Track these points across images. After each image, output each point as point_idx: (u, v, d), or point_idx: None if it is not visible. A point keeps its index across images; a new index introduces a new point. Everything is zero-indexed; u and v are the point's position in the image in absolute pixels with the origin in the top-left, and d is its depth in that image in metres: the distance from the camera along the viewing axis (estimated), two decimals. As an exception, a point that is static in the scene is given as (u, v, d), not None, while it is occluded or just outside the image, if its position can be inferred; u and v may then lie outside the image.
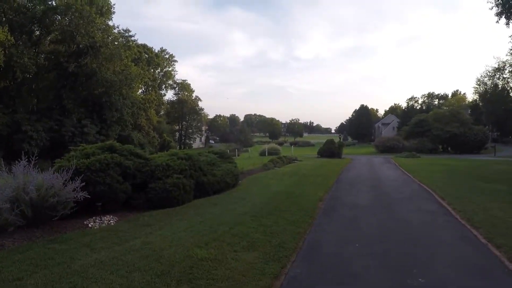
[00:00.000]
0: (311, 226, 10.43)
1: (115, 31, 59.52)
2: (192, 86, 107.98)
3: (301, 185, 18.68)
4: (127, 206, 12.51)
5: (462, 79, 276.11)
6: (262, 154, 57.22)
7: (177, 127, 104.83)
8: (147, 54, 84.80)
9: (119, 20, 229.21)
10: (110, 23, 57.90)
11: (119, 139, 57.39)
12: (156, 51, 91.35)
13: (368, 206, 13.68)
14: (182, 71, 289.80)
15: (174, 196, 13.12)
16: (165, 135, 76.90)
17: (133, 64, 62.38)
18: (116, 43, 56.31)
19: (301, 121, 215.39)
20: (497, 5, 25.58)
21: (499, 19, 25.68)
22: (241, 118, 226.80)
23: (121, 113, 54.26)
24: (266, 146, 65.63)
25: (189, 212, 12.01)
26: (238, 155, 69.27)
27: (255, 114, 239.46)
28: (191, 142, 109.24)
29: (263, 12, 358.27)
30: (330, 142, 49.45)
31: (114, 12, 59.25)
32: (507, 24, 25.48)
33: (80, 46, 49.31)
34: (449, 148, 67.28)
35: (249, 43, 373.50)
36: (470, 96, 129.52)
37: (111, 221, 10.80)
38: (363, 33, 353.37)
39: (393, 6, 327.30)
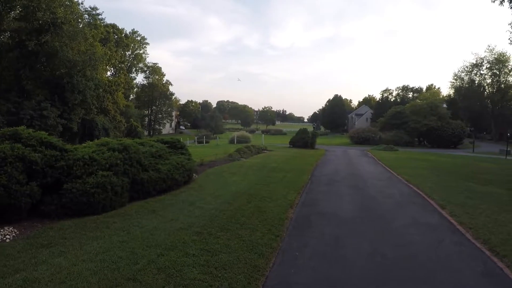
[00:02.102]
0: (277, 255, 7.35)
1: (81, 8, 55.78)
2: (166, 70, 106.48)
3: (268, 183, 15.45)
4: (38, 213, 9.34)
5: (436, 74, 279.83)
6: (232, 142, 54.22)
7: (147, 112, 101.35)
8: (116, 35, 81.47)
9: (93, 0, 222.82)
10: (78, 0, 54.04)
11: (83, 123, 54.94)
12: (128, 32, 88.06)
13: (353, 218, 10.53)
14: (157, 55, 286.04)
15: (98, 201, 9.84)
16: (132, 120, 73.28)
17: (99, 44, 59.56)
18: (80, 20, 52.87)
19: (274, 109, 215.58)
20: None
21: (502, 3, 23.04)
22: (214, 105, 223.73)
23: (84, 96, 50.98)
24: (235, 134, 62.76)
25: (113, 225, 8.86)
26: (207, 142, 66.70)
27: (227, 101, 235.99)
28: (161, 127, 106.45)
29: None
30: (303, 131, 46.53)
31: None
32: None
33: (41, 22, 45.20)
34: (425, 142, 65.45)
35: (225, 29, 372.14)
36: (445, 90, 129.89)
37: (8, 237, 7.85)
38: (341, 23, 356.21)
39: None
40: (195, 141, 70.65)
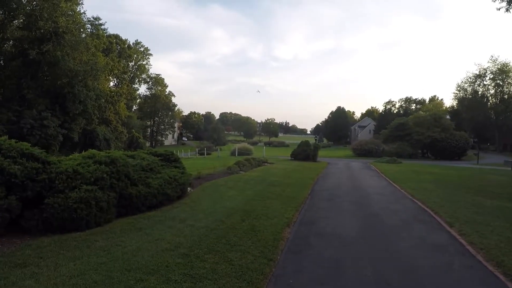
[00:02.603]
0: (268, 282, 6.59)
1: (83, 18, 55.68)
2: (169, 82, 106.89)
3: (266, 199, 14.60)
4: (19, 228, 8.76)
5: (439, 85, 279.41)
6: (233, 154, 53.68)
7: (149, 123, 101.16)
8: (119, 45, 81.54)
9: (96, 11, 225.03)
10: (81, 10, 54.24)
11: (84, 134, 54.58)
12: (131, 43, 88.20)
13: (355, 239, 9.68)
14: (160, 66, 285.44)
15: (81, 216, 9.18)
16: (133, 130, 72.92)
17: (102, 54, 59.42)
18: (82, 30, 52.61)
19: (277, 121, 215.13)
20: None
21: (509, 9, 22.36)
22: (217, 116, 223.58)
23: (85, 106, 50.89)
24: (237, 146, 62.17)
25: (94, 244, 8.15)
26: (208, 154, 66.17)
27: (230, 113, 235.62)
28: (163, 139, 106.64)
29: (244, 10, 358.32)
30: (304, 144, 45.49)
31: (83, -3, 54.97)
32: None
33: (42, 31, 45.35)
34: (428, 154, 64.57)
35: (229, 41, 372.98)
36: (448, 101, 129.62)
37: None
38: (343, 35, 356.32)
39: (374, 10, 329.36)
40: (196, 153, 69.96)
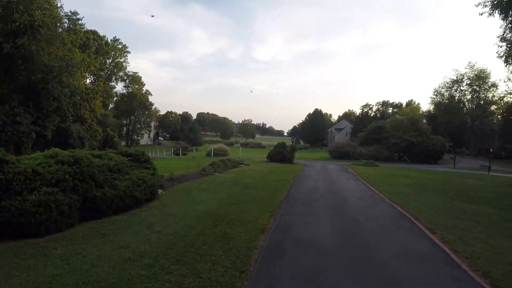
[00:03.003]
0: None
1: (60, 12, 54.19)
2: (147, 80, 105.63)
3: (240, 202, 13.93)
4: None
5: (416, 90, 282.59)
6: (209, 154, 52.94)
7: (125, 121, 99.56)
8: (97, 42, 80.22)
9: (74, 6, 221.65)
10: (58, 3, 52.37)
11: (57, 131, 53.09)
12: (109, 40, 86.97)
13: (334, 247, 9.07)
14: (138, 64, 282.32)
15: (40, 221, 8.52)
16: (108, 129, 71.61)
17: (78, 50, 58.08)
18: (59, 24, 51.22)
19: (254, 122, 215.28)
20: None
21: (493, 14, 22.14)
22: (194, 116, 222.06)
23: (60, 103, 49.27)
24: (214, 146, 61.48)
25: (52, 252, 7.50)
26: (184, 154, 65.21)
27: (208, 113, 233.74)
28: (139, 138, 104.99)
29: (224, 11, 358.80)
30: (281, 145, 44.97)
31: (60, -9, 53.58)
32: (504, 19, 22.04)
33: (18, 24, 43.57)
34: (405, 157, 64.58)
35: (208, 41, 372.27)
36: (425, 106, 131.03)
37: None
38: (322, 38, 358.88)
39: (355, 14, 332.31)
40: (171, 153, 68.93)
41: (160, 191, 15.58)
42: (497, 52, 25.52)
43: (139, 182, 12.79)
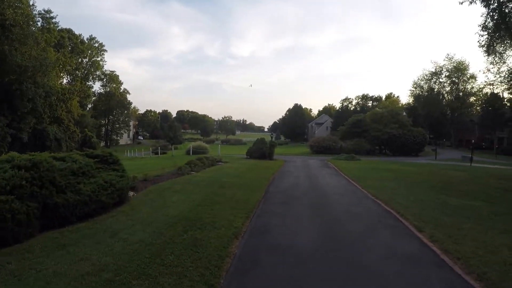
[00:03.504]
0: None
1: (33, 11, 52.97)
2: (126, 79, 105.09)
3: (214, 204, 12.97)
4: None
5: (395, 83, 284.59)
6: (188, 152, 51.90)
7: (104, 121, 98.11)
8: (72, 40, 78.71)
9: (49, 4, 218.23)
10: (30, 1, 51.42)
11: (34, 133, 51.83)
12: (86, 38, 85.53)
13: (315, 251, 8.20)
14: (116, 63, 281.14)
15: (-7, 232, 7.53)
16: (86, 130, 70.24)
17: (53, 49, 56.74)
18: (31, 23, 49.88)
19: (234, 119, 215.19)
20: None
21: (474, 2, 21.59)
22: (174, 114, 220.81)
23: (35, 104, 48.10)
24: (192, 144, 60.58)
25: (5, 267, 6.65)
26: (163, 153, 64.19)
27: (187, 110, 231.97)
28: (118, 138, 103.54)
29: (201, 7, 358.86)
30: (260, 141, 44.05)
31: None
32: (486, 6, 21.48)
33: (-12, 23, 42.35)
34: (386, 150, 64.26)
35: (186, 38, 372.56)
36: (404, 99, 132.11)
37: None
38: (301, 34, 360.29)
39: (333, 9, 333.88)
40: (150, 152, 67.76)
41: (131, 193, 14.66)
42: (478, 41, 25.11)
43: (106, 186, 11.82)
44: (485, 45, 24.66)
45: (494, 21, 21.99)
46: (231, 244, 8.42)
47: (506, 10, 21.07)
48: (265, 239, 9.14)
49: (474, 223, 10.90)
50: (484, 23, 22.99)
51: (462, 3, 22.11)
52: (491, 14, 21.75)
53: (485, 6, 21.36)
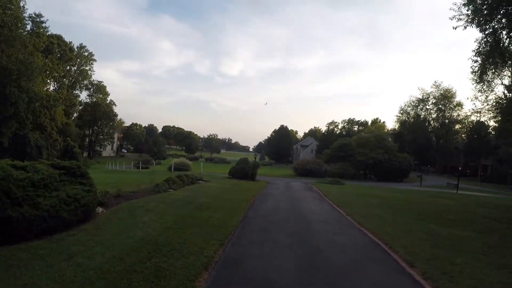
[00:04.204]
0: None
1: (25, 14, 52.20)
2: (113, 91, 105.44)
3: (187, 227, 11.82)
4: None
5: (381, 109, 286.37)
6: (170, 169, 50.64)
7: (88, 132, 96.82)
8: (61, 47, 77.77)
9: (40, 10, 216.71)
10: (21, 3, 50.32)
11: (14, 139, 50.49)
12: (75, 46, 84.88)
13: None
14: (105, 74, 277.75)
15: None
16: (69, 139, 68.86)
17: (41, 54, 55.75)
18: (20, 25, 48.90)
19: (220, 137, 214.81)
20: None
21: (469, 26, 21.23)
22: (160, 129, 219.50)
23: (17, 108, 46.84)
24: (175, 160, 59.53)
25: None
26: (145, 168, 62.94)
27: (173, 126, 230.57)
28: (101, 149, 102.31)
29: (194, 24, 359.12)
30: (243, 161, 43.08)
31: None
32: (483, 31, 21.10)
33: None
34: (371, 175, 63.56)
35: (176, 53, 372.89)
36: (390, 124, 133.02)
37: None
38: (289, 56, 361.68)
39: (321, 34, 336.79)
40: (131, 166, 66.32)
41: (100, 210, 13.63)
42: (471, 67, 24.63)
43: (69, 201, 10.72)
44: (478, 71, 24.18)
45: (488, 47, 21.53)
46: (199, 276, 7.34)
47: (501, 36, 20.66)
48: (239, 272, 8.02)
49: (468, 257, 10.09)
50: (478, 48, 22.55)
51: (456, 28, 21.67)
52: (485, 39, 21.31)
53: (480, 31, 20.92)
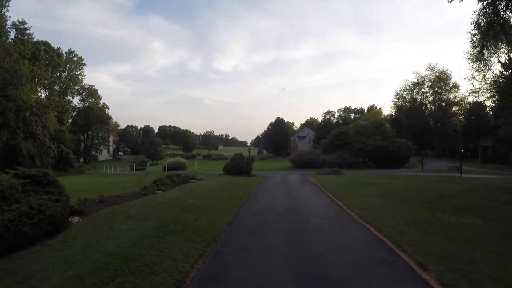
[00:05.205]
0: None
1: (8, 22, 51.39)
2: (107, 94, 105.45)
3: (167, 234, 10.47)
4: None
5: (377, 96, 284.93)
6: (165, 169, 49.94)
7: (83, 137, 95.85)
8: (48, 53, 76.67)
9: (29, 19, 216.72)
10: (5, 12, 49.72)
11: (6, 149, 49.53)
12: (64, 52, 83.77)
13: None
14: (98, 78, 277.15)
15: None
16: (62, 145, 67.86)
17: (27, 62, 54.71)
18: (1, 33, 47.94)
19: (217, 133, 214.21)
20: None
21: None
22: (156, 129, 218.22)
23: (6, 118, 45.79)
24: (169, 160, 58.53)
25: None
26: (142, 169, 61.88)
27: (169, 126, 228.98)
28: (97, 154, 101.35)
29: (183, 22, 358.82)
30: (237, 156, 41.78)
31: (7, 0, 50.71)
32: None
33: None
34: (370, 163, 62.27)
35: (168, 53, 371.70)
36: (387, 110, 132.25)
37: None
38: (282, 48, 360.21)
39: (313, 24, 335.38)
40: (125, 169, 65.07)
41: (76, 219, 12.38)
42: (470, 42, 23.54)
43: (31, 213, 9.48)
44: (478, 46, 23.03)
45: (488, 18, 20.32)
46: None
47: (499, 7, 19.48)
48: (218, 290, 6.70)
49: (485, 251, 8.85)
50: (477, 21, 21.39)
51: (451, 1, 20.45)
52: (484, 11, 20.14)
53: (478, 1, 19.71)
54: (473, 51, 25.57)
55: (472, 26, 22.01)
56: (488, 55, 26.10)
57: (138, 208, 14.80)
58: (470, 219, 13.05)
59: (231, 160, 42.19)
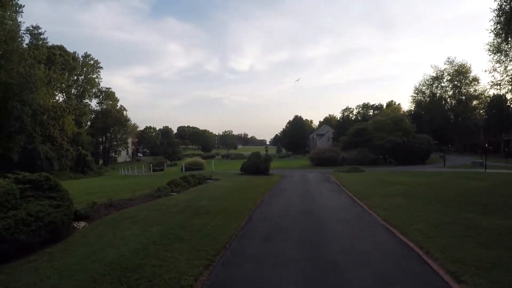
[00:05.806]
0: None
1: (23, 27, 51.55)
2: (126, 97, 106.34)
3: (175, 240, 9.67)
4: None
5: (395, 91, 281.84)
6: (182, 169, 49.54)
7: (101, 139, 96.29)
8: (63, 57, 77.09)
9: (47, 25, 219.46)
10: (18, 18, 50.10)
11: (24, 153, 49.67)
12: (81, 56, 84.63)
13: None
14: (116, 81, 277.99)
15: None
16: (80, 148, 67.99)
17: (42, 66, 54.99)
18: (16, 38, 47.96)
19: (235, 133, 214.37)
20: None
21: None
22: (175, 130, 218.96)
23: (22, 122, 45.87)
24: (187, 160, 58.11)
25: None
26: (161, 170, 61.67)
27: (188, 126, 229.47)
28: (116, 155, 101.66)
29: (199, 24, 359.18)
30: (255, 155, 41.13)
31: (21, 6, 50.98)
32: None
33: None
34: (390, 159, 60.94)
35: (184, 54, 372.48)
36: (406, 106, 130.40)
37: None
38: (298, 47, 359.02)
39: (328, 21, 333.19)
40: (143, 170, 64.71)
41: (82, 224, 11.86)
42: (494, 30, 22.45)
43: (29, 220, 8.91)
44: (502, 34, 21.98)
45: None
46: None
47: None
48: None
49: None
50: (500, 7, 20.38)
51: None
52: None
53: None
54: (493, 42, 24.59)
55: (495, 14, 21.10)
56: (510, 47, 24.98)
57: (147, 212, 14.07)
58: (502, 219, 11.93)
59: (248, 159, 41.66)
